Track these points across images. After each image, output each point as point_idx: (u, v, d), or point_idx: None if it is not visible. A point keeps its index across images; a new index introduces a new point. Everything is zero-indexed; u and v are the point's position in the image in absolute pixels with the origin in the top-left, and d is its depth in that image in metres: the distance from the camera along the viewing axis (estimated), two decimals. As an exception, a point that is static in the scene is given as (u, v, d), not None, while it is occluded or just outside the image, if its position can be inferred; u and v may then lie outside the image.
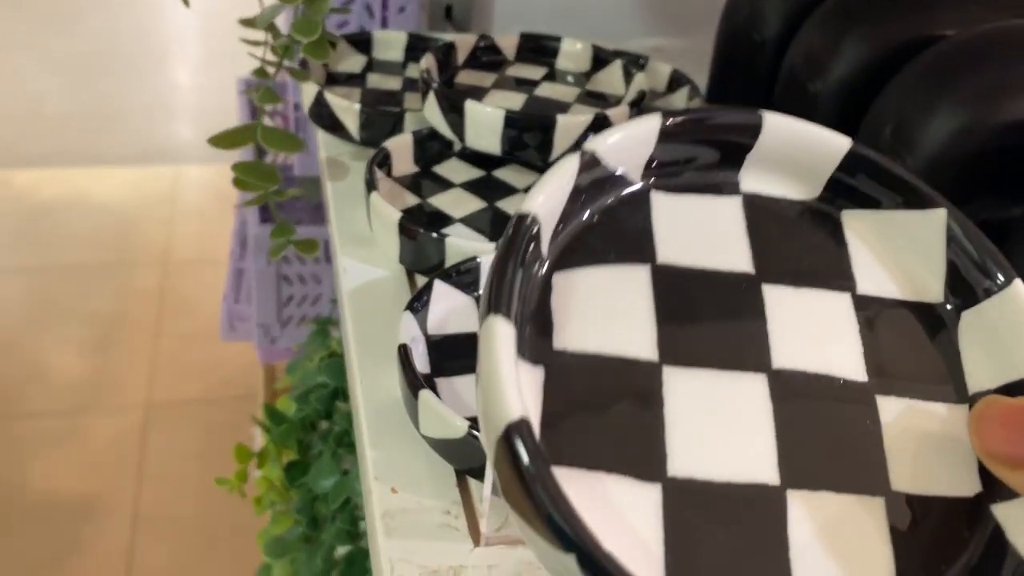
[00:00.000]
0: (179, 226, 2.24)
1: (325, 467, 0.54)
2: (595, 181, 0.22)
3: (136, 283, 2.05)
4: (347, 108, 0.46)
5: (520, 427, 0.16)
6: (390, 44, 0.55)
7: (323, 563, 0.52)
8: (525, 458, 0.16)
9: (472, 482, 0.30)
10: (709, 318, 0.21)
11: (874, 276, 0.22)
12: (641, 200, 0.22)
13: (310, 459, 0.59)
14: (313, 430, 0.62)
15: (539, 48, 0.52)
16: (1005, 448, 0.17)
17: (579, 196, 0.21)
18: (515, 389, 0.16)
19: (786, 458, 0.19)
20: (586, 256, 0.21)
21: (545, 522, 0.15)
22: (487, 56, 0.51)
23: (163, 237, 2.20)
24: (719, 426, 0.19)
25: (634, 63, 0.54)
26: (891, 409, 0.20)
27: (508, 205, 0.43)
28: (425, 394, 0.29)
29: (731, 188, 0.23)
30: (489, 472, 0.27)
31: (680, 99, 0.55)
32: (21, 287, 2.02)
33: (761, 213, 0.23)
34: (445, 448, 0.30)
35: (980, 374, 0.20)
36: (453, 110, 0.43)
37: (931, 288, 0.22)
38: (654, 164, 0.22)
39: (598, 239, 0.21)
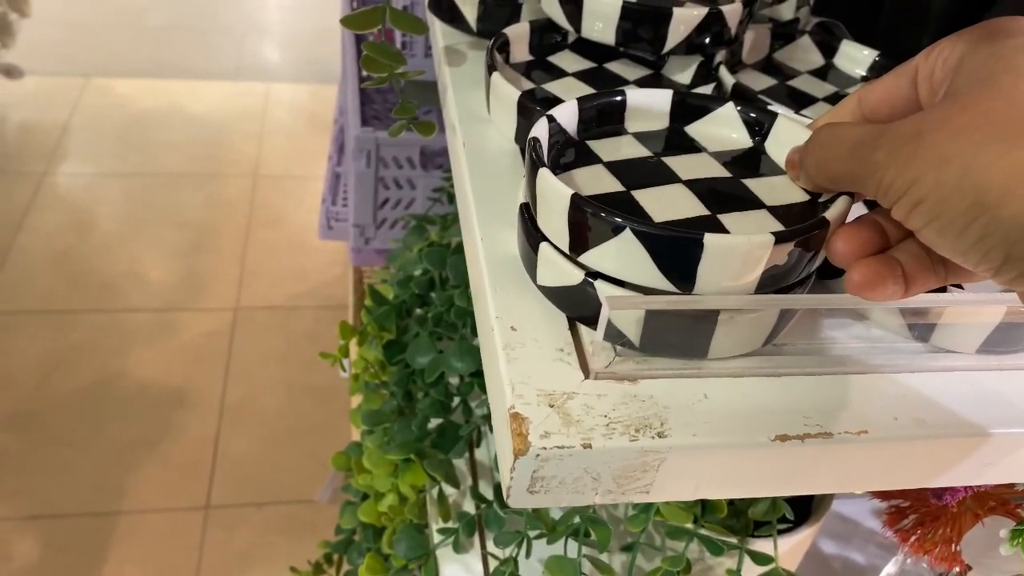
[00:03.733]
0: (268, 141, 2.31)
1: (423, 345, 0.58)
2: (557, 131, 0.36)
3: (227, 193, 2.12)
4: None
5: None
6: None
7: (418, 430, 0.57)
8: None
9: (583, 328, 0.33)
10: (643, 173, 0.35)
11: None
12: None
13: (407, 340, 0.63)
14: (409, 316, 0.65)
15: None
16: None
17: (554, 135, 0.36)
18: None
19: (709, 206, 0.33)
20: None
21: None
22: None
23: (253, 151, 2.27)
24: (668, 202, 0.33)
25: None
26: (750, 181, 0.35)
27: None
28: (545, 246, 0.32)
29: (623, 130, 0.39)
30: (604, 313, 0.29)
31: (790, 8, 0.55)
32: (120, 191, 2.12)
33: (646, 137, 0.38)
34: (560, 296, 0.33)
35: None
36: (571, 0, 0.44)
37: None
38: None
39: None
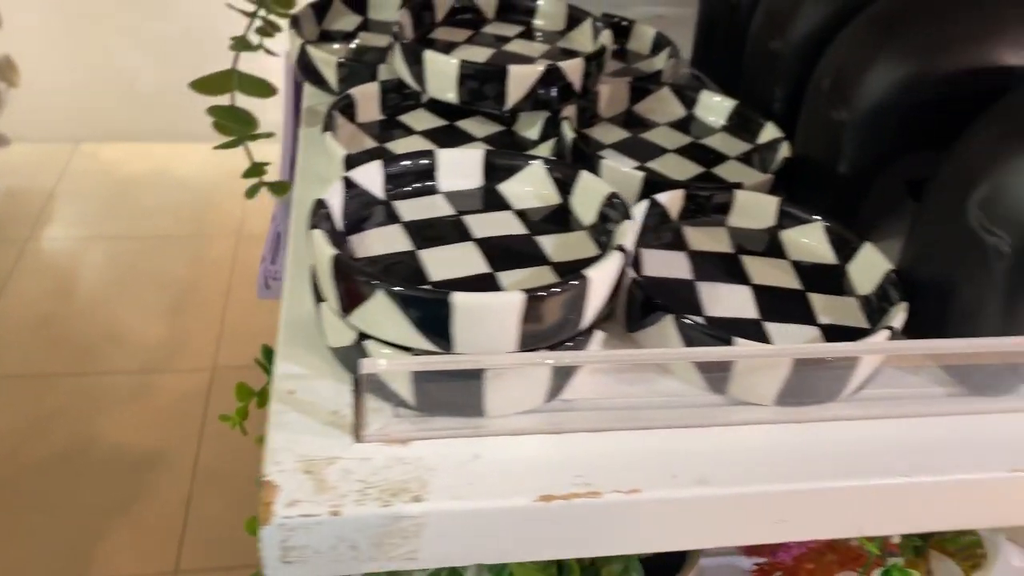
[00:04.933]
0: (252, 201, 2.34)
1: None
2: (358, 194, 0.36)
3: (211, 253, 2.14)
4: (327, 60, 0.49)
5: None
6: (384, 4, 0.58)
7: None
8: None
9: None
10: (438, 232, 0.35)
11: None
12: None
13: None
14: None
15: (516, 7, 0.54)
16: None
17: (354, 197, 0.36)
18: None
19: (493, 263, 0.33)
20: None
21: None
22: (466, 14, 0.53)
23: (237, 210, 2.30)
24: (453, 261, 0.33)
25: (610, 24, 0.56)
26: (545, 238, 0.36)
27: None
28: (324, 306, 0.32)
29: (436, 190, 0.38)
30: (361, 374, 0.29)
31: (661, 60, 0.56)
32: (104, 254, 2.14)
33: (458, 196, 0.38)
34: (342, 356, 0.32)
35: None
36: (416, 61, 0.45)
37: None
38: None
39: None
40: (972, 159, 0.33)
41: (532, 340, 0.29)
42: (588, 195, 0.36)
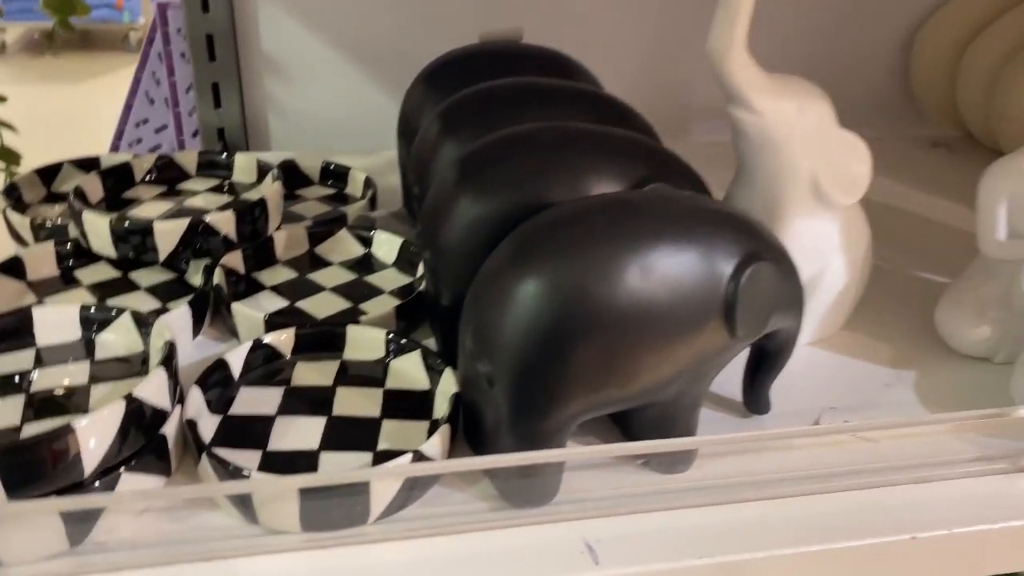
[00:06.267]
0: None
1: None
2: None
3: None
4: (21, 223, 0.54)
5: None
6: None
7: None
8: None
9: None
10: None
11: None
12: None
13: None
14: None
15: (215, 163, 0.59)
16: None
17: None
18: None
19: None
20: None
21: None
22: (169, 172, 0.58)
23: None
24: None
25: (328, 171, 0.61)
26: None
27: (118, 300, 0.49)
28: None
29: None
30: None
31: (364, 202, 0.60)
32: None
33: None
34: None
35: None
36: (79, 221, 0.49)
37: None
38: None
39: None
40: (467, 306, 0.37)
41: (28, 490, 0.32)
42: (118, 339, 0.40)
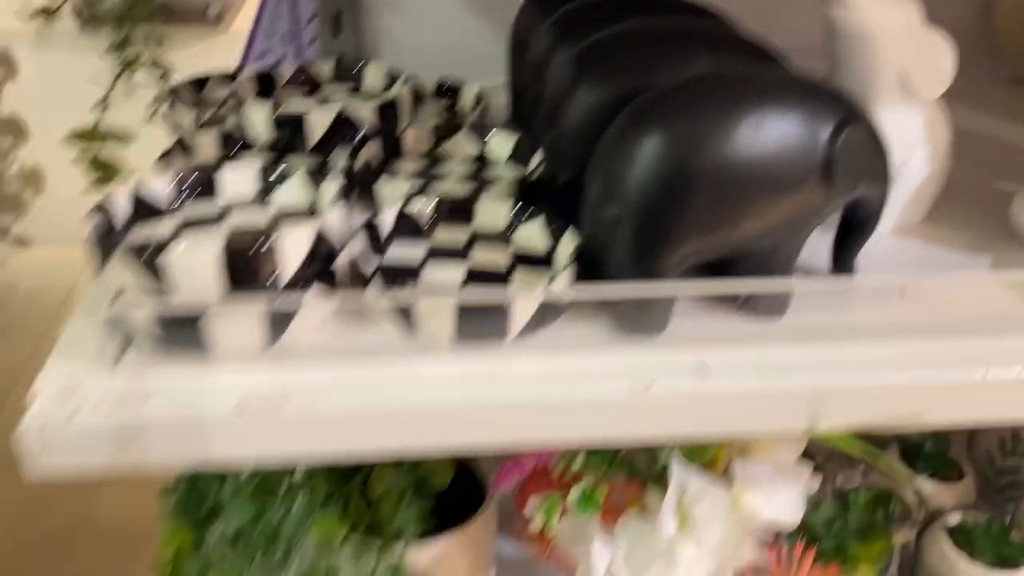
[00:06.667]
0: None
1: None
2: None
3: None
4: (184, 119, 0.61)
5: None
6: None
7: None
8: None
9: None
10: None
11: None
12: None
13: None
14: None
15: (347, 73, 0.65)
16: None
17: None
18: None
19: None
20: None
21: None
22: (306, 81, 0.65)
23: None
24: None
25: (443, 87, 0.68)
26: None
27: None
28: (100, 277, 0.42)
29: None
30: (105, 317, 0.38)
31: (477, 113, 0.66)
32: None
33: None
34: (108, 314, 0.42)
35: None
36: (239, 112, 0.56)
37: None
38: None
39: None
40: (596, 157, 0.43)
41: (241, 287, 0.39)
42: (325, 196, 0.46)
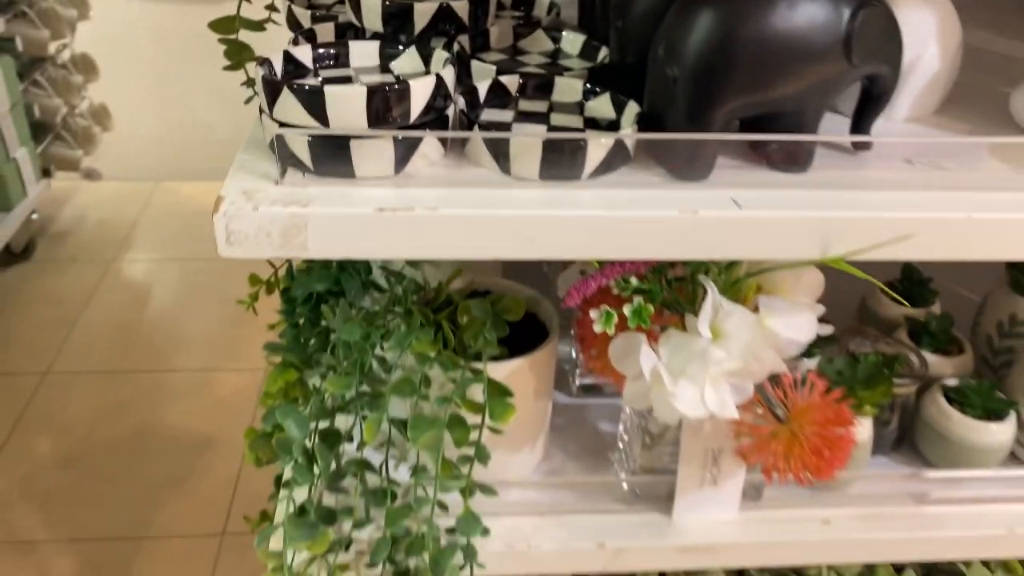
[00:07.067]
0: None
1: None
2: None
3: (265, 274, 2.41)
4: (303, 14, 0.72)
5: None
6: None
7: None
8: None
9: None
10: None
11: None
12: None
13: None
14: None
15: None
16: None
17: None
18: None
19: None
20: None
21: None
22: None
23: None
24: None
25: None
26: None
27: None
28: (263, 116, 0.53)
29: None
30: (269, 140, 0.50)
31: (551, 16, 0.76)
32: (177, 273, 2.43)
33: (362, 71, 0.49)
34: (271, 144, 0.53)
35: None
36: (356, 5, 0.67)
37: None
38: None
39: None
40: (662, 27, 0.53)
41: (378, 123, 0.50)
42: (438, 61, 0.57)
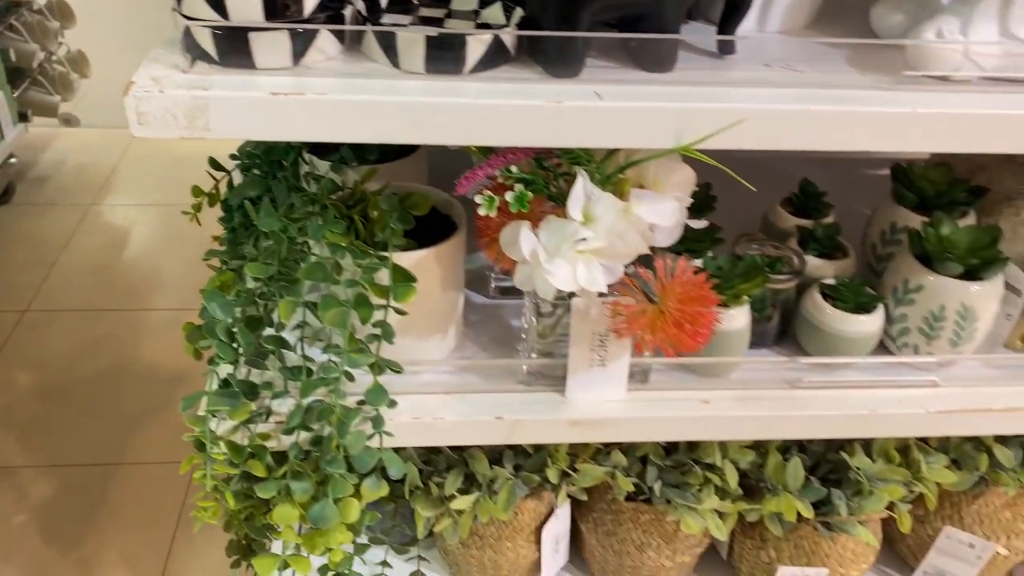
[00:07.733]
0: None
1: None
2: None
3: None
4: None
5: None
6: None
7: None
8: None
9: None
10: None
11: None
12: None
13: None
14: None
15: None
16: None
17: None
18: None
19: None
20: None
21: None
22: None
23: (271, 186, 2.63)
24: None
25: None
26: None
27: None
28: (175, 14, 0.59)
29: None
30: (179, 30, 0.56)
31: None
32: (154, 218, 2.48)
33: None
34: (181, 38, 0.59)
35: None
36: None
37: None
38: None
39: None
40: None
41: (274, 15, 0.56)
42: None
